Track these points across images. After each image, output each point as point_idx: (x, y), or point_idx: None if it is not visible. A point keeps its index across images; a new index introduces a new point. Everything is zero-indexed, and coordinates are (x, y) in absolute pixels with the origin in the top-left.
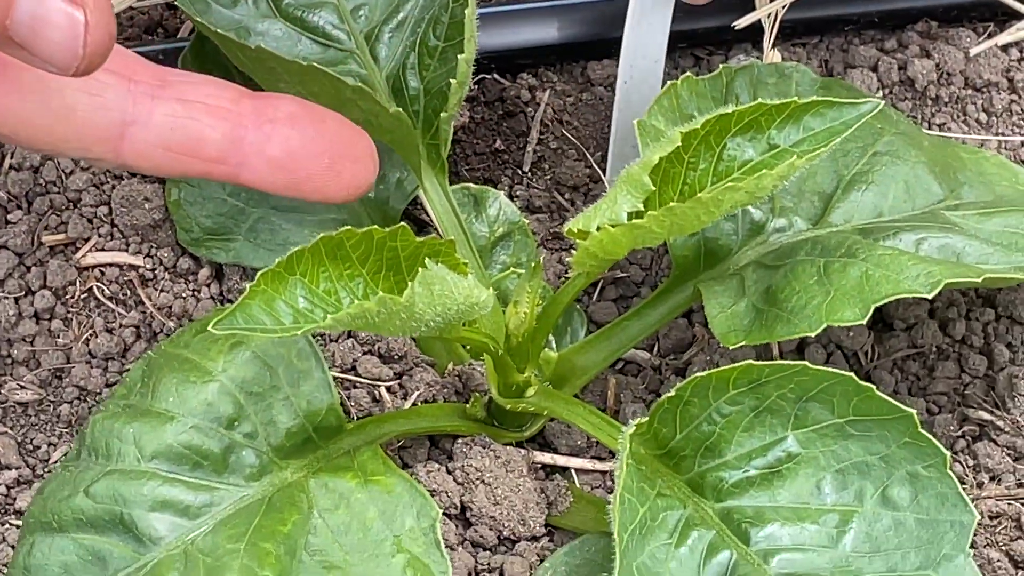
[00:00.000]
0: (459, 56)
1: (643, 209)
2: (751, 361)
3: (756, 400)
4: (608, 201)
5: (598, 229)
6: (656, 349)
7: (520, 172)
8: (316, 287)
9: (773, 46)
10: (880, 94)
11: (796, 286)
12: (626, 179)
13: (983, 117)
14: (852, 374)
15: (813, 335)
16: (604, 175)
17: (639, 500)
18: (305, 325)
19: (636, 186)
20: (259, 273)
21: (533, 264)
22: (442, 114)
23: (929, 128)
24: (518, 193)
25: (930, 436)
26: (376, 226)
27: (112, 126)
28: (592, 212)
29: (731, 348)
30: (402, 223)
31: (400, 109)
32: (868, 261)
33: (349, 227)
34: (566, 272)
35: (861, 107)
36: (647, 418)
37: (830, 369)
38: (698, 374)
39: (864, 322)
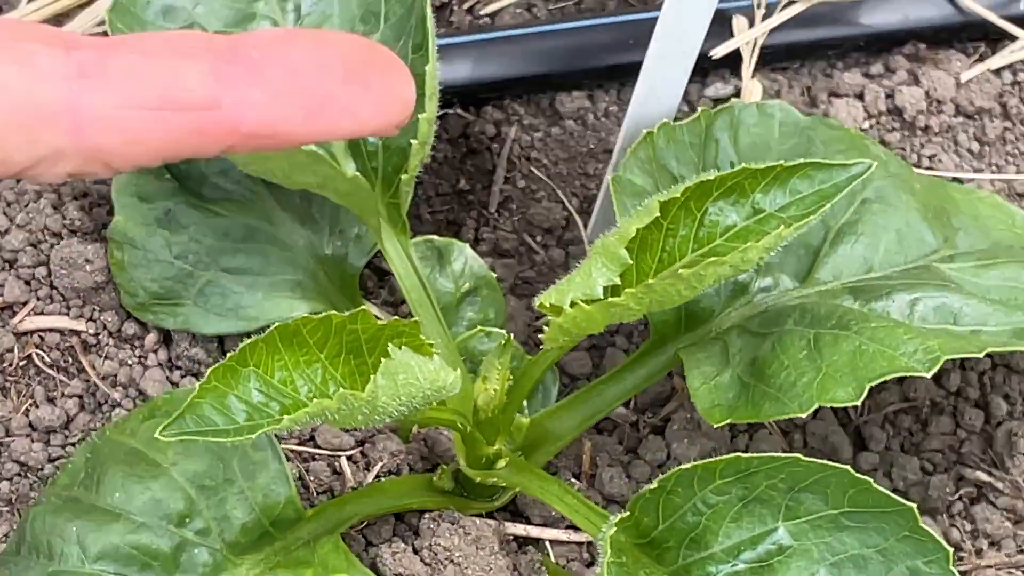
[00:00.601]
0: (420, 116)
1: (619, 283)
2: (739, 453)
3: (744, 490)
4: (582, 274)
5: (572, 305)
6: (633, 404)
7: (486, 213)
8: (271, 377)
9: (753, 74)
10: (867, 124)
11: (785, 360)
12: (601, 250)
13: (975, 147)
14: (848, 467)
15: (804, 416)
16: (577, 216)
17: None
18: (260, 425)
19: (612, 259)
20: (210, 370)
21: (503, 341)
22: (403, 175)
23: (919, 161)
24: (484, 236)
25: (931, 531)
26: (333, 309)
27: (59, 98)
28: (565, 285)
29: (715, 426)
30: (362, 307)
31: (358, 173)
32: (861, 334)
33: (305, 315)
34: (537, 320)
35: (852, 169)
36: (627, 512)
37: (824, 462)
38: (682, 466)
39: (858, 403)
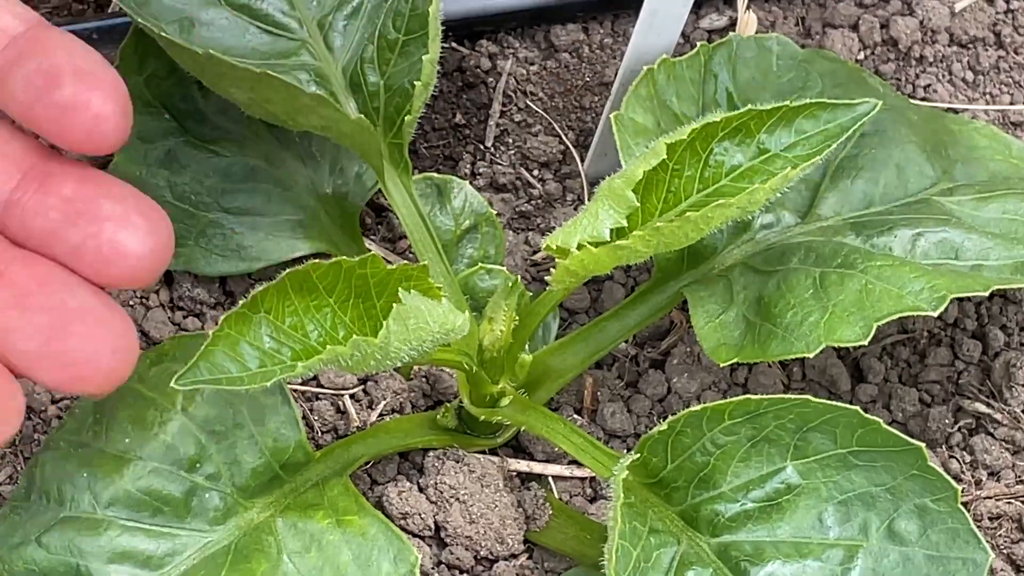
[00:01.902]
0: (423, 56)
1: (626, 226)
2: (748, 396)
3: (753, 430)
4: (589, 216)
5: (579, 247)
6: (632, 338)
7: (483, 148)
8: (281, 323)
9: (749, 5)
10: (862, 55)
11: (791, 299)
12: (608, 192)
13: (970, 76)
14: (857, 407)
15: (811, 355)
16: (574, 150)
17: (631, 543)
18: (273, 372)
19: (619, 201)
20: (223, 317)
21: (510, 283)
22: (406, 117)
23: (914, 91)
24: (481, 170)
25: (939, 469)
26: (334, 248)
27: None
28: (572, 227)
29: (721, 365)
30: (372, 253)
31: (362, 116)
32: (867, 273)
33: (314, 260)
34: (534, 254)
35: (857, 109)
36: (636, 454)
37: (832, 403)
38: (691, 408)
39: (866, 342)
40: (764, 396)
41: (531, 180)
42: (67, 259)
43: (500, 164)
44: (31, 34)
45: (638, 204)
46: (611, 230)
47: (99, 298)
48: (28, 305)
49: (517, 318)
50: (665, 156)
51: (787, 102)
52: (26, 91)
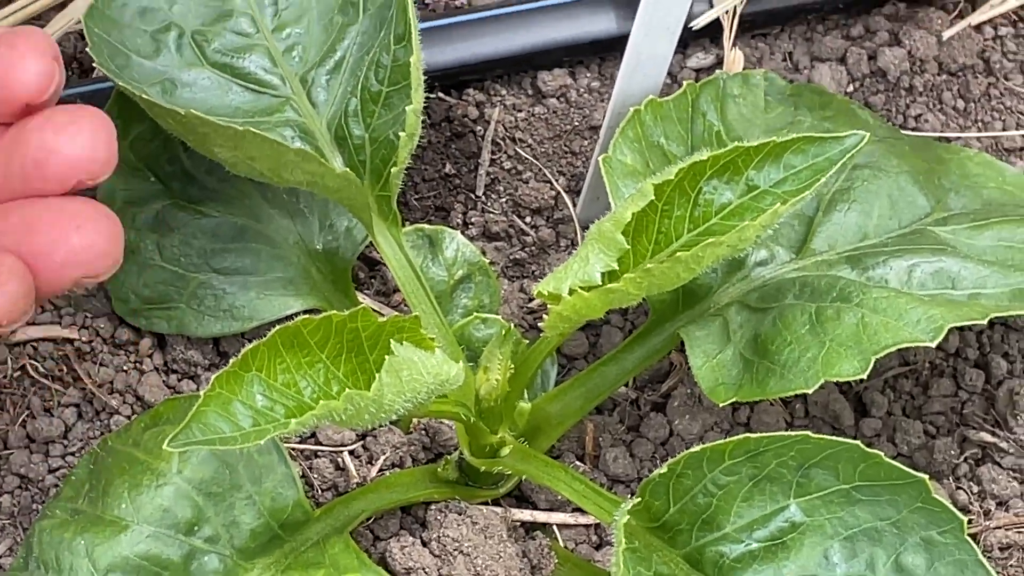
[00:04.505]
0: (407, 107)
1: (617, 268)
2: (748, 434)
3: (754, 469)
4: (579, 260)
5: (570, 292)
6: (632, 382)
7: (474, 197)
8: (274, 380)
9: (734, 43)
10: (851, 88)
11: (787, 336)
12: (597, 236)
13: (961, 105)
14: (858, 442)
15: (810, 391)
16: (566, 195)
17: None
18: (266, 430)
19: (609, 244)
20: (214, 377)
21: (504, 331)
22: (392, 168)
23: (905, 121)
24: (473, 220)
25: (944, 500)
26: (327, 304)
27: None
28: (563, 272)
29: (720, 405)
30: (362, 306)
31: (348, 169)
32: (863, 306)
33: (304, 315)
34: (529, 302)
35: (845, 142)
36: (638, 498)
37: (833, 438)
38: (691, 449)
39: (864, 376)
40: (764, 434)
41: (524, 227)
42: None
43: (492, 212)
44: None
45: (628, 246)
46: (602, 274)
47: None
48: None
49: (513, 366)
50: (653, 197)
51: (774, 138)
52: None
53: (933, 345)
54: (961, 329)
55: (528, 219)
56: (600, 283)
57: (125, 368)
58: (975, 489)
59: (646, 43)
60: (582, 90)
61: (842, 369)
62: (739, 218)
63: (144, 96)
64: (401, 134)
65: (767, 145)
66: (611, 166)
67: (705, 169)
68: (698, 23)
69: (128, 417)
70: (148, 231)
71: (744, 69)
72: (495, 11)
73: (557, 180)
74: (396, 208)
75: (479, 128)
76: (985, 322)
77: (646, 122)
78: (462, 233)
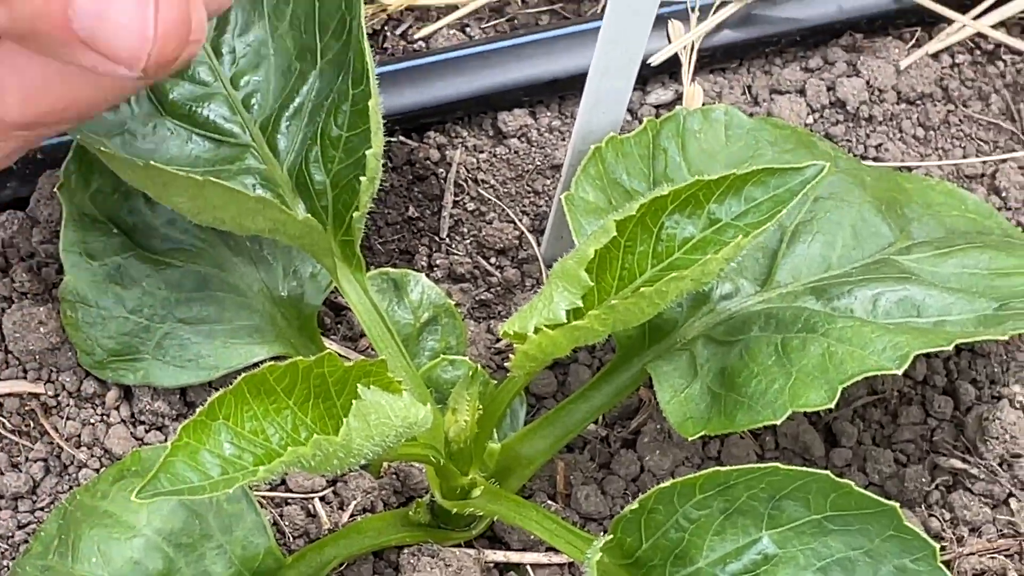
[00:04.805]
0: (367, 152)
1: (582, 306)
2: (717, 468)
3: (725, 502)
4: (544, 299)
5: (536, 331)
6: (602, 419)
7: (438, 239)
8: (242, 428)
9: (693, 78)
10: (811, 119)
11: (754, 368)
12: (561, 274)
13: (920, 133)
14: (827, 472)
15: (778, 422)
16: (530, 235)
17: None
18: (235, 478)
19: (573, 281)
20: (180, 427)
21: (471, 372)
22: (354, 213)
23: (866, 151)
24: (438, 262)
25: (916, 528)
26: (293, 350)
27: None
28: (528, 311)
29: (689, 439)
30: (328, 351)
31: (309, 215)
32: (829, 336)
33: (270, 362)
34: (496, 342)
35: (805, 172)
36: (610, 535)
37: (803, 468)
38: (661, 484)
39: (832, 405)
40: (734, 467)
41: (489, 268)
42: None
43: (457, 254)
44: None
45: (592, 283)
46: (567, 311)
47: None
48: None
49: (481, 407)
50: (616, 233)
51: (735, 171)
52: None
53: (899, 372)
54: (928, 357)
55: (493, 260)
56: (565, 321)
57: (92, 421)
58: (947, 516)
59: (604, 80)
60: (543, 129)
61: (809, 399)
62: (702, 252)
63: (103, 149)
64: (362, 179)
65: (728, 178)
66: (574, 204)
67: (667, 204)
68: (656, 59)
69: (97, 470)
70: (111, 283)
71: (704, 104)
72: (454, 53)
73: (521, 220)
74: (359, 253)
75: (441, 170)
76: (951, 349)
77: (607, 159)
78: (427, 276)
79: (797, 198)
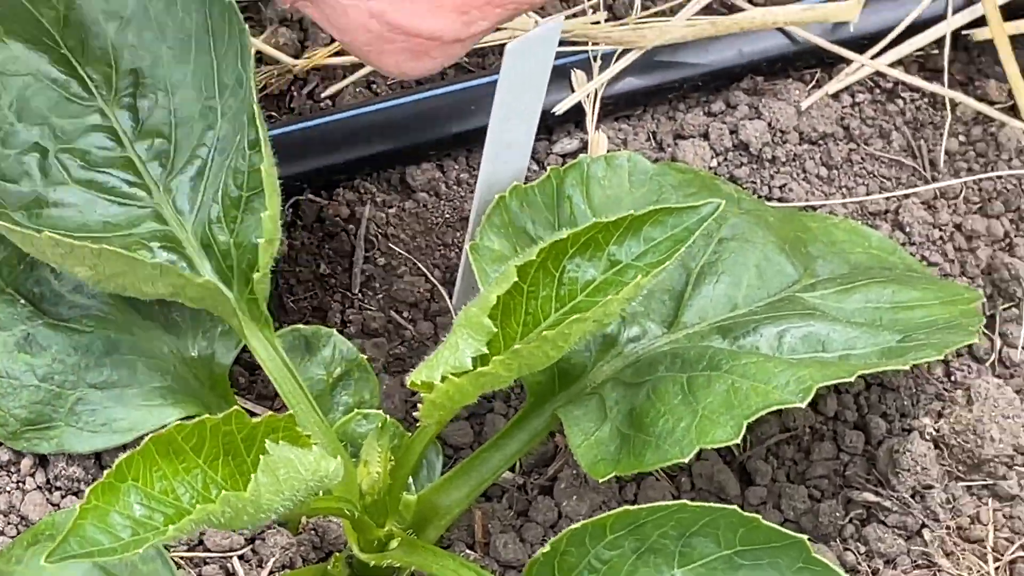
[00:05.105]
0: (263, 214)
1: (487, 352)
2: (627, 507)
3: (637, 541)
4: (449, 348)
5: (442, 379)
6: (518, 467)
7: (350, 295)
8: (151, 489)
9: (597, 126)
10: (715, 163)
11: (661, 407)
12: (465, 322)
13: (824, 172)
14: (735, 507)
15: (686, 460)
16: (442, 288)
17: None
18: (145, 538)
19: (477, 329)
20: (88, 489)
21: (379, 424)
22: (255, 274)
23: (770, 192)
24: (351, 317)
25: (824, 559)
26: (206, 411)
27: None
28: (434, 361)
29: (600, 480)
30: (235, 408)
31: (209, 278)
32: (733, 372)
33: (179, 422)
34: (412, 396)
35: (701, 211)
36: None
37: (711, 504)
38: (572, 526)
39: (738, 441)
40: (643, 506)
41: (402, 322)
42: None
43: (369, 309)
44: None
45: (496, 329)
46: (473, 358)
47: None
48: None
49: (393, 459)
50: (517, 278)
51: (632, 212)
52: None
53: (803, 405)
54: (839, 392)
55: (406, 314)
56: (471, 368)
57: (7, 489)
58: (862, 549)
59: (505, 131)
60: (451, 183)
61: (715, 435)
62: (604, 294)
63: (2, 223)
64: (259, 240)
65: (626, 219)
66: (479, 253)
67: (567, 248)
68: (560, 108)
69: (12, 537)
70: (20, 352)
71: (609, 151)
72: (360, 110)
73: (432, 273)
74: (267, 311)
75: (351, 227)
76: (861, 383)
77: (512, 208)
78: (340, 332)
79: (694, 236)
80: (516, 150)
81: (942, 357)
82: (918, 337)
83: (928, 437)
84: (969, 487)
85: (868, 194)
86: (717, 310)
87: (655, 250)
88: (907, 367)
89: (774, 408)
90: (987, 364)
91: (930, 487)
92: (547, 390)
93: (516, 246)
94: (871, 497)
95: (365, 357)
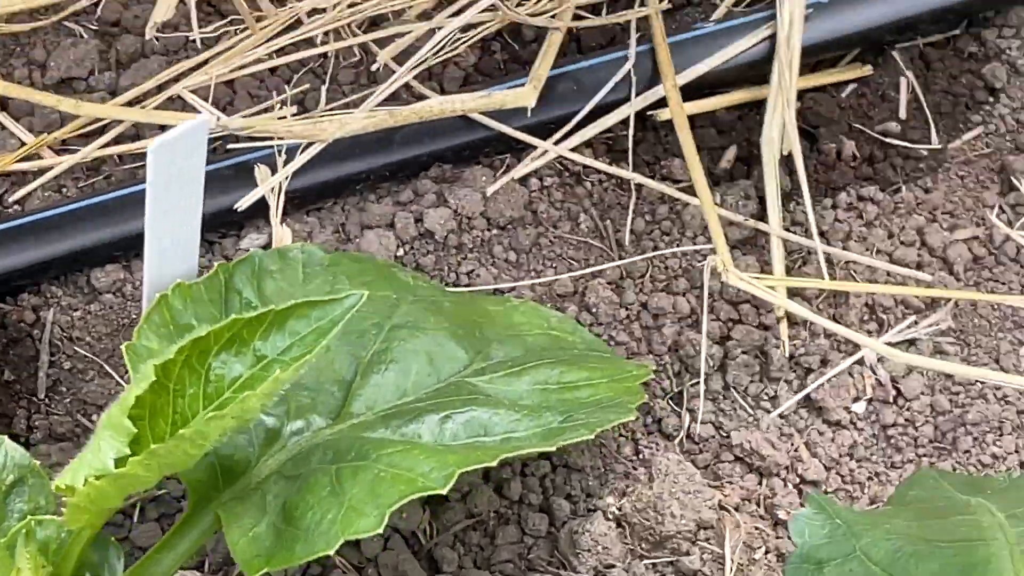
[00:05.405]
0: None
1: (130, 453)
2: None
3: None
4: (93, 449)
5: (85, 482)
6: (207, 565)
7: (36, 400)
8: None
9: (284, 220)
10: (401, 251)
11: (310, 500)
12: (108, 423)
13: (512, 256)
14: None
15: (331, 553)
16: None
17: None
18: None
19: (118, 430)
20: None
21: (25, 531)
22: None
23: (458, 278)
24: (37, 423)
25: None
26: None
27: None
28: (78, 463)
29: None
30: None
31: None
32: (379, 462)
33: None
34: None
35: (345, 302)
36: None
37: None
38: None
39: (380, 530)
40: None
41: (89, 425)
42: None
43: (57, 414)
44: None
45: (135, 430)
46: (115, 460)
47: None
48: None
49: (48, 565)
50: (155, 377)
51: (273, 306)
52: None
53: (444, 491)
54: (524, 475)
55: (95, 417)
56: (114, 470)
57: None
58: None
59: (165, 231)
60: (137, 283)
61: (359, 526)
62: (252, 390)
63: None
64: None
65: (268, 314)
66: (136, 353)
67: (211, 344)
68: (243, 204)
69: None
70: None
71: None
72: (44, 213)
73: (121, 375)
74: None
75: (36, 331)
76: (549, 465)
77: (175, 306)
78: (27, 438)
79: (338, 327)
80: (183, 248)
81: (592, 436)
82: (578, 417)
83: (611, 516)
84: (654, 564)
85: (557, 275)
86: (386, 399)
87: (300, 344)
88: (553, 448)
89: (417, 495)
90: (676, 441)
91: (611, 566)
92: (210, 488)
93: None
94: None
95: (38, 463)
